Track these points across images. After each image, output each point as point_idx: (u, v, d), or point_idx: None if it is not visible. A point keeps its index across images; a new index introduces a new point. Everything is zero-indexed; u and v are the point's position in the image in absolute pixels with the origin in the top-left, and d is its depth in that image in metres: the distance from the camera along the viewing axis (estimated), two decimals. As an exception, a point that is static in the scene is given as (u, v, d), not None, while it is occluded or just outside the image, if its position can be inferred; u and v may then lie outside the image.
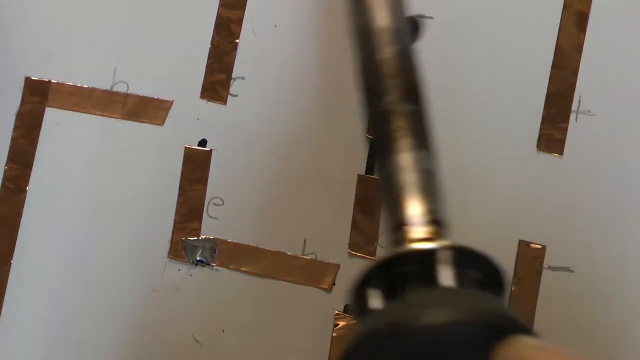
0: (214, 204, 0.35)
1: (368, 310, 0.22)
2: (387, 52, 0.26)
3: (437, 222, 0.23)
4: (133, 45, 0.36)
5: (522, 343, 0.18)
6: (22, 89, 0.36)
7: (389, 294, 0.22)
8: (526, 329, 0.19)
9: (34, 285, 0.35)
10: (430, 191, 0.24)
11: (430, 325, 0.19)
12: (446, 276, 0.21)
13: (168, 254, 0.35)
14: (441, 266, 0.21)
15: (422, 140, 0.24)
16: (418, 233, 0.23)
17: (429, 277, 0.21)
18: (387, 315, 0.20)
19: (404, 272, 0.22)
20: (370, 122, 0.26)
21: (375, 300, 0.22)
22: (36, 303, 0.35)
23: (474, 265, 0.22)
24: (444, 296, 0.21)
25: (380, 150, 0.25)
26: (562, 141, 0.35)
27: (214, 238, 0.35)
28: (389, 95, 0.25)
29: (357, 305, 0.23)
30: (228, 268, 0.35)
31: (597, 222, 0.34)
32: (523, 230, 0.34)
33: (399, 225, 0.23)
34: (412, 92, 0.25)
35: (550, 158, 0.35)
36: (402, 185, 0.24)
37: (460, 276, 0.21)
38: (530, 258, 0.34)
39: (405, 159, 0.24)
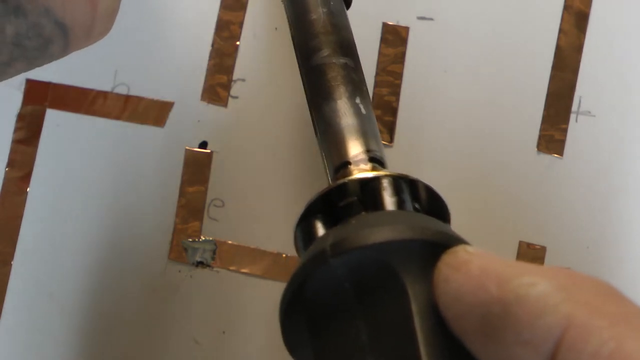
0: (215, 206, 0.35)
1: (313, 240, 0.22)
2: (319, 12, 0.27)
3: (376, 160, 0.24)
4: (133, 47, 0.36)
5: (462, 250, 0.19)
6: (22, 90, 0.36)
7: (333, 224, 0.22)
8: (466, 244, 0.20)
9: (34, 286, 0.35)
10: (367, 133, 0.25)
11: (375, 241, 0.19)
12: (387, 201, 0.22)
13: (168, 256, 0.35)
14: (382, 192, 0.22)
15: (356, 88, 0.26)
16: (358, 170, 0.24)
17: (371, 205, 0.22)
18: (332, 237, 0.20)
19: (346, 203, 0.23)
20: (305, 78, 0.27)
21: (321, 232, 0.23)
22: (36, 304, 0.35)
23: (415, 193, 0.23)
24: (387, 217, 0.21)
25: (316, 101, 0.26)
26: (562, 142, 0.35)
27: (214, 239, 0.35)
28: (323, 50, 0.26)
29: (302, 239, 0.23)
30: (228, 269, 0.35)
31: (597, 223, 0.34)
32: (523, 231, 0.34)
33: (339, 166, 0.24)
34: (344, 46, 0.27)
35: (551, 159, 0.35)
36: (340, 130, 0.25)
37: (400, 202, 0.22)
38: (531, 259, 0.34)
39: (342, 106, 0.25)
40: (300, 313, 0.21)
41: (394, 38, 0.35)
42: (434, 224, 0.21)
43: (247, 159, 0.35)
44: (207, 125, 0.35)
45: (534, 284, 0.17)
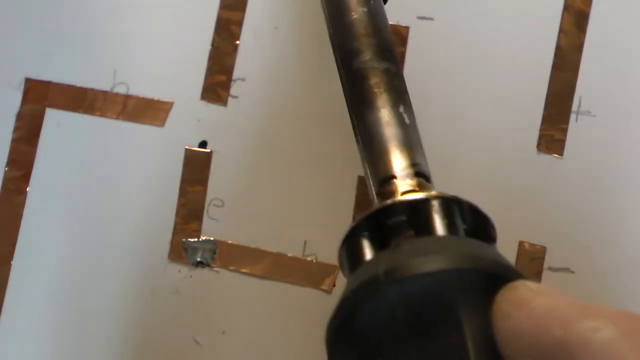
0: (214, 205, 0.35)
1: (361, 262, 0.22)
2: (359, 11, 0.26)
3: (421, 175, 0.23)
4: (133, 46, 0.36)
5: (523, 286, 0.18)
6: (22, 89, 0.36)
7: (381, 246, 0.22)
8: (523, 277, 0.19)
9: (34, 286, 0.35)
10: (412, 145, 0.24)
11: (431, 270, 0.19)
12: (438, 225, 0.21)
13: (168, 256, 0.35)
14: (432, 215, 0.22)
15: (400, 96, 0.25)
16: (404, 185, 0.23)
17: (421, 227, 0.21)
18: (384, 262, 0.20)
19: (394, 222, 0.22)
20: (345, 82, 0.26)
21: (368, 252, 0.22)
22: (36, 304, 0.35)
23: (463, 215, 0.22)
24: (440, 244, 0.21)
25: (358, 108, 0.25)
26: (563, 142, 0.35)
27: (214, 239, 0.35)
28: (364, 54, 0.25)
29: (347, 258, 0.23)
30: (228, 269, 0.35)
31: (597, 223, 0.34)
32: (523, 231, 0.34)
33: (384, 179, 0.23)
34: (385, 50, 0.26)
35: (551, 159, 0.35)
36: (385, 140, 0.24)
37: (451, 225, 0.22)
38: (530, 259, 0.34)
39: (386, 115, 0.24)
40: (348, 341, 0.20)
41: (394, 38, 0.35)
42: (488, 251, 0.21)
43: (247, 158, 0.35)
44: (206, 124, 0.35)
45: (598, 329, 0.16)
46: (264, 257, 0.34)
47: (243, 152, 0.35)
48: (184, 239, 0.35)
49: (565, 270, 0.34)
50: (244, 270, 0.34)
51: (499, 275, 0.19)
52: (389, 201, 0.22)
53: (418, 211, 0.22)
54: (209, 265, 0.35)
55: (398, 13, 0.35)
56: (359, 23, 0.26)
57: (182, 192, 0.35)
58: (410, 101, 0.26)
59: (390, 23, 0.35)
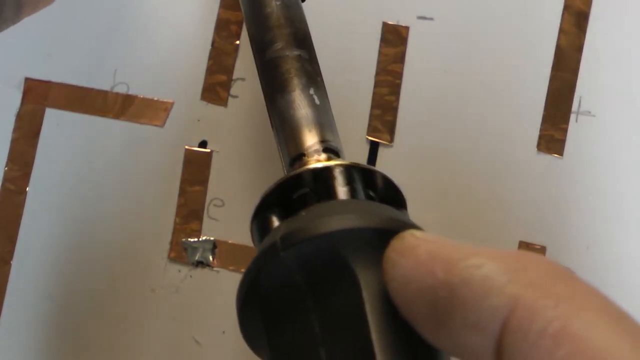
0: (215, 205, 0.35)
1: (267, 234, 0.22)
2: (272, 5, 0.27)
3: (330, 150, 0.24)
4: (133, 46, 0.36)
5: (409, 234, 0.19)
6: (22, 89, 0.36)
7: (288, 216, 0.22)
8: (418, 229, 0.20)
9: (34, 286, 0.35)
10: (322, 123, 0.25)
11: (324, 232, 0.19)
12: (339, 191, 0.22)
13: (168, 255, 0.35)
14: (333, 182, 0.22)
15: (311, 79, 0.26)
16: (312, 161, 0.24)
17: (323, 195, 0.22)
18: (281, 230, 0.20)
19: (299, 195, 0.23)
20: (260, 72, 0.27)
21: (275, 224, 0.23)
22: (36, 304, 0.35)
23: (370, 182, 0.23)
24: (337, 207, 0.21)
25: (271, 94, 0.26)
26: (562, 142, 0.35)
27: (214, 239, 0.35)
28: (277, 43, 0.26)
29: (257, 233, 0.23)
30: (228, 269, 0.35)
31: (597, 223, 0.34)
32: (523, 231, 0.34)
33: (295, 158, 0.24)
34: (298, 38, 0.27)
35: (551, 159, 0.35)
36: (295, 121, 0.25)
37: (352, 190, 0.22)
38: (531, 259, 0.34)
39: (297, 97, 0.25)
40: (257, 307, 0.21)
41: (394, 37, 0.35)
42: (385, 210, 0.21)
43: (247, 158, 0.35)
44: (207, 124, 0.35)
45: (479, 266, 0.16)
46: (264, 257, 0.34)
47: (243, 152, 0.35)
48: (184, 239, 0.35)
49: (565, 270, 0.34)
50: (243, 270, 0.34)
51: (392, 231, 0.19)
52: (291, 173, 0.23)
53: (320, 180, 0.22)
54: (209, 265, 0.35)
55: (398, 12, 0.35)
56: (272, 16, 0.27)
57: (182, 192, 0.35)
58: (323, 83, 0.26)
59: (390, 22, 0.35)
